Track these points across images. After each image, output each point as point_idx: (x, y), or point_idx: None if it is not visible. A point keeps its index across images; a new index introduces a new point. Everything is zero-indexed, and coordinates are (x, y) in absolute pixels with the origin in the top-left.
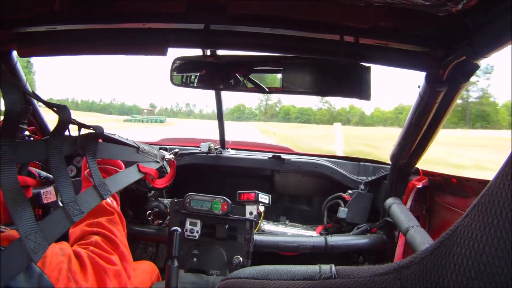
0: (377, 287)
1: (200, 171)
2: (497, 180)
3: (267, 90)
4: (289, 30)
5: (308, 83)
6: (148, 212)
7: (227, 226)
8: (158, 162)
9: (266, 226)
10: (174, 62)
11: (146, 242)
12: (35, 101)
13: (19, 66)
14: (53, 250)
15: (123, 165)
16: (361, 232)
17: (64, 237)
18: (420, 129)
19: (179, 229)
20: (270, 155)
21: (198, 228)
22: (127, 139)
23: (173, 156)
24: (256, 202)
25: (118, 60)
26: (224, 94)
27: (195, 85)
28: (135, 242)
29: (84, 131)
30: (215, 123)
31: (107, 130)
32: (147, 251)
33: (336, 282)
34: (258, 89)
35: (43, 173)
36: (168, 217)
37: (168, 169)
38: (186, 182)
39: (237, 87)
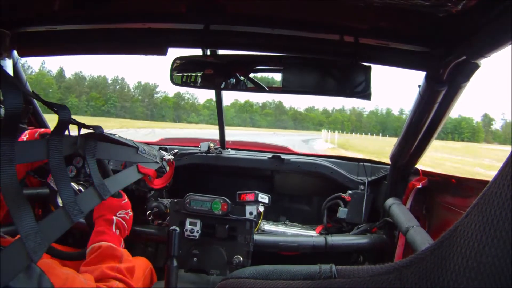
0: (377, 287)
1: (200, 171)
2: (497, 180)
3: (267, 89)
4: (289, 30)
5: (308, 83)
6: (148, 212)
7: (227, 226)
8: (157, 162)
9: (266, 226)
10: (174, 62)
11: (146, 242)
12: (35, 100)
13: (19, 66)
14: (77, 277)
15: None
16: (361, 232)
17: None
18: (420, 129)
19: (178, 229)
20: (270, 155)
21: (198, 228)
22: (126, 139)
23: (173, 157)
24: (256, 202)
25: None
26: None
27: (195, 84)
28: (134, 243)
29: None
30: None
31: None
32: (146, 251)
33: (336, 282)
34: (258, 88)
35: None
36: (168, 217)
37: (168, 170)
38: (186, 182)
39: (237, 86)
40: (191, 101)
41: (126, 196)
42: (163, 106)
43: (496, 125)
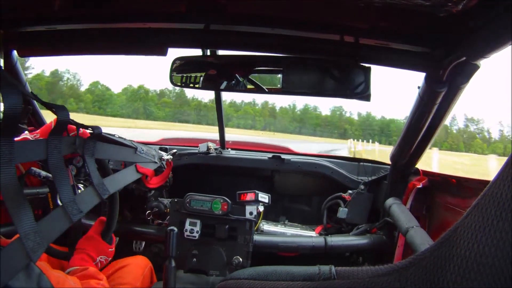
0: None
1: (200, 171)
2: (497, 180)
3: (266, 90)
4: (289, 30)
5: (308, 83)
6: (147, 212)
7: (227, 226)
8: (155, 162)
9: (266, 226)
10: (174, 62)
11: (151, 243)
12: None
13: (19, 66)
14: (67, 280)
15: None
16: (361, 232)
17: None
18: (420, 129)
19: (176, 229)
20: (270, 155)
21: (198, 228)
22: (125, 139)
23: (171, 157)
24: (256, 201)
25: None
26: None
27: (195, 85)
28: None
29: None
30: None
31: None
32: (149, 251)
33: (335, 283)
34: (258, 89)
35: (43, 173)
36: (168, 217)
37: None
38: (186, 182)
39: (237, 87)
40: (70, 83)
41: (114, 245)
42: (33, 87)
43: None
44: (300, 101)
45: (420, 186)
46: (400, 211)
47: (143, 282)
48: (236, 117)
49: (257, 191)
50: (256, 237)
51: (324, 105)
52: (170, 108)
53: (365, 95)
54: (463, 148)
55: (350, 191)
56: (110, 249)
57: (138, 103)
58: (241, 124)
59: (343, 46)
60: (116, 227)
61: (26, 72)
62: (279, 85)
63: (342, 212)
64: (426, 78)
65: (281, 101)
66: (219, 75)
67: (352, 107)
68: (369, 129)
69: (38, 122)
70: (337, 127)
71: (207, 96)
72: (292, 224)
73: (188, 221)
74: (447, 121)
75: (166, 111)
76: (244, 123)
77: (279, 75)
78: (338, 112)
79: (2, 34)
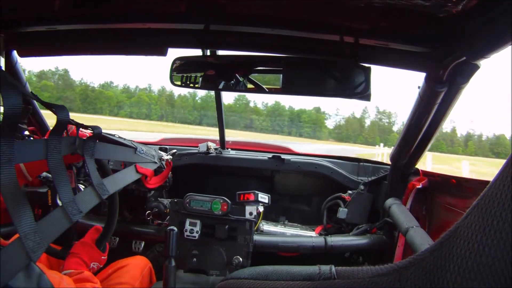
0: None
1: (200, 171)
2: (497, 181)
3: (267, 90)
4: (289, 30)
5: (308, 83)
6: (147, 212)
7: (226, 227)
8: (155, 162)
9: (265, 226)
10: (174, 62)
11: (155, 243)
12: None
13: (19, 66)
14: (62, 281)
15: None
16: (361, 232)
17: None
18: (420, 129)
19: (175, 229)
20: (270, 155)
21: (197, 228)
22: (125, 139)
23: (171, 157)
24: (256, 202)
25: None
26: None
27: (195, 85)
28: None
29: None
30: None
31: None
32: (154, 251)
33: (335, 282)
34: (258, 89)
35: (43, 173)
36: (168, 217)
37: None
38: (186, 182)
39: (237, 87)
40: None
41: (107, 253)
42: None
43: (329, 121)
44: (201, 90)
45: (420, 186)
46: (400, 211)
47: (142, 282)
48: (128, 104)
49: (256, 192)
50: (256, 237)
51: (228, 95)
52: (51, 93)
53: (365, 95)
54: (379, 141)
55: (350, 192)
56: (102, 257)
57: None
58: (134, 112)
59: (343, 46)
60: (116, 227)
61: None
62: (279, 85)
63: (342, 212)
64: (426, 78)
65: (180, 89)
66: (219, 75)
67: (256, 98)
68: (279, 120)
69: (38, 122)
70: (242, 117)
71: (97, 80)
72: (292, 224)
73: (188, 221)
74: (359, 113)
75: (45, 96)
76: (138, 111)
77: (279, 75)
78: (244, 102)
79: (2, 34)
